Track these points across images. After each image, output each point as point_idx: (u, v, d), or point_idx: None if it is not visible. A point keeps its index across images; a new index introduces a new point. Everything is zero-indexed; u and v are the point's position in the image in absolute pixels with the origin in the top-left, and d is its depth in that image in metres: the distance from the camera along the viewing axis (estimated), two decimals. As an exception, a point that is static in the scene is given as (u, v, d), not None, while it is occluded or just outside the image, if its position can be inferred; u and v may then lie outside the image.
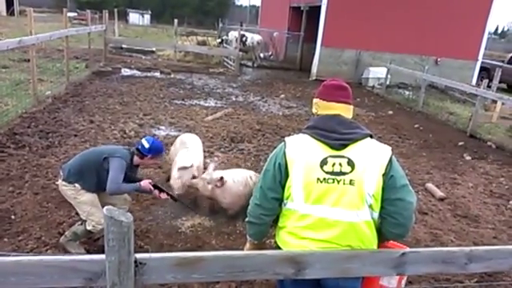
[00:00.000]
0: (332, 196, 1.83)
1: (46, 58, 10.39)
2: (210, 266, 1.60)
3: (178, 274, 1.57)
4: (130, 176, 3.26)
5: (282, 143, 1.97)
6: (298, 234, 1.90)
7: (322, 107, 1.99)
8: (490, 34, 19.64)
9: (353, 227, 1.84)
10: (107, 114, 7.24)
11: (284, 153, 1.90)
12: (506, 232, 4.56)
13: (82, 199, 3.14)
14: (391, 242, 2.10)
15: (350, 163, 1.83)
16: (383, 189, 1.84)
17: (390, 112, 10.13)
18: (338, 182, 1.82)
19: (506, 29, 50.05)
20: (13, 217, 3.70)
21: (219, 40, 17.27)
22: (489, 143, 8.06)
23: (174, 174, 3.98)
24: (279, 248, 1.97)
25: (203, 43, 18.09)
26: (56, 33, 8.64)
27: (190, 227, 3.86)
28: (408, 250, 1.73)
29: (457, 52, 14.44)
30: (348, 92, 2.00)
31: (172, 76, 11.85)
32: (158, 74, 11.90)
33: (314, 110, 2.05)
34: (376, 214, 1.86)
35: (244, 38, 15.89)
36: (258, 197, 1.98)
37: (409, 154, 6.97)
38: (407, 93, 12.58)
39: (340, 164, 1.83)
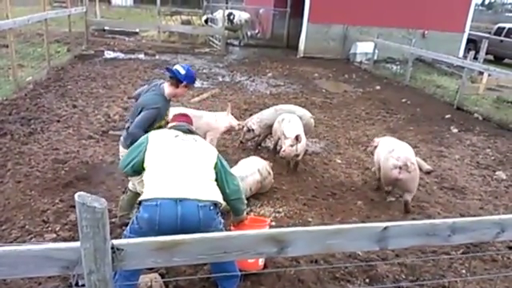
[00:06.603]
0: (183, 156, 2.45)
1: (26, 42, 10.08)
2: (191, 249, 1.58)
3: (158, 258, 1.55)
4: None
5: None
6: (160, 193, 2.28)
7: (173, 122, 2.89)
8: (477, 5, 19.57)
9: (200, 173, 2.43)
10: (90, 98, 7.10)
11: (147, 137, 2.60)
12: (492, 202, 4.62)
13: None
14: (252, 217, 3.20)
15: (194, 139, 2.62)
16: (216, 171, 2.52)
17: (378, 87, 10.10)
18: (187, 146, 2.52)
19: (492, 0, 49.92)
20: (-5, 206, 3.64)
21: (204, 18, 16.87)
22: (475, 115, 8.11)
23: None
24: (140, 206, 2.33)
25: (188, 22, 17.69)
26: (34, 16, 8.34)
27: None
28: (390, 223, 1.71)
29: (444, 24, 14.33)
30: (189, 117, 2.97)
31: (157, 57, 11.62)
32: (142, 56, 11.66)
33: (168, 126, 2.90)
34: (212, 177, 2.49)
35: (231, 17, 15.56)
36: (122, 168, 2.65)
37: (396, 129, 6.98)
38: (395, 67, 12.53)
39: (188, 138, 2.60)
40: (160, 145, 2.52)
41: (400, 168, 3.89)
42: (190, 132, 2.71)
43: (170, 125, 2.86)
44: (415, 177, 4.05)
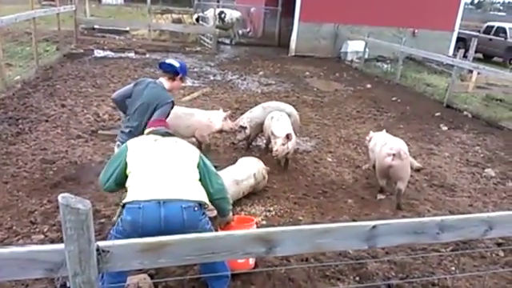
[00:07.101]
0: (165, 158, 2.42)
1: (15, 41, 9.95)
2: (178, 250, 1.56)
3: (144, 259, 1.53)
4: None
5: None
6: (143, 195, 2.24)
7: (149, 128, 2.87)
8: (466, 4, 19.68)
9: (183, 173, 2.40)
10: (79, 97, 7.03)
11: (126, 145, 2.54)
12: (481, 199, 4.66)
13: None
14: (239, 217, 3.20)
15: (175, 141, 2.61)
16: (199, 170, 2.47)
17: (369, 86, 10.14)
18: (168, 148, 2.51)
19: (482, -1, 50.50)
20: (-18, 207, 3.58)
21: (195, 16, 16.78)
22: (465, 113, 8.18)
23: None
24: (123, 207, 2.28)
25: (178, 21, 17.59)
26: (22, 15, 8.22)
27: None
28: (379, 222, 1.71)
29: (434, 23, 14.43)
30: (166, 122, 3.03)
31: (147, 56, 11.54)
32: (132, 55, 11.57)
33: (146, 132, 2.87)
34: (196, 176, 2.45)
35: (223, 15, 15.50)
36: (104, 182, 2.54)
37: (386, 127, 6.95)
38: (385, 66, 12.59)
39: (167, 141, 2.58)
40: (141, 150, 2.48)
41: (393, 155, 4.12)
42: (169, 135, 2.71)
43: (147, 131, 2.83)
44: (407, 164, 4.25)
